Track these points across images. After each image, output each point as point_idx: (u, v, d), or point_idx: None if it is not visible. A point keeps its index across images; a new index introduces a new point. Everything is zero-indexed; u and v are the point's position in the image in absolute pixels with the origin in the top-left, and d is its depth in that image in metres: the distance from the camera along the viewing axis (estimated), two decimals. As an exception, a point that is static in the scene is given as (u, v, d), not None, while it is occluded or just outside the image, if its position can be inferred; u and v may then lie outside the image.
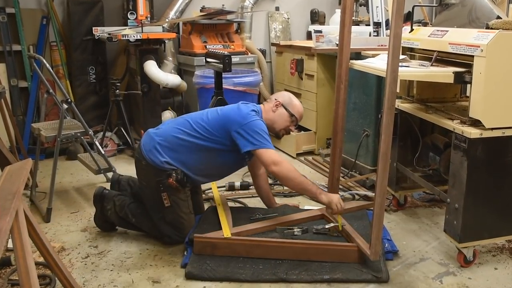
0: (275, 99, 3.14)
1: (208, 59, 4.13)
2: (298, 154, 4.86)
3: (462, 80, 2.65)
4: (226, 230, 2.88)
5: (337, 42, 3.34)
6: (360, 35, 4.49)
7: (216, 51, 4.25)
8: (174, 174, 2.91)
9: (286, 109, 3.10)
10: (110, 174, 3.90)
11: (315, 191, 2.89)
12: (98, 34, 4.95)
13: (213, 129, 2.93)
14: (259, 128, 2.87)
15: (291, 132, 3.23)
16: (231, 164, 3.12)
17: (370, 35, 4.63)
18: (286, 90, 5.29)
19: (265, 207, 3.40)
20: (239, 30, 5.65)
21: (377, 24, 4.70)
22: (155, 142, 2.98)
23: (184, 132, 2.96)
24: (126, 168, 4.43)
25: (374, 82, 3.86)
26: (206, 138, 2.94)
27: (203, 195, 3.71)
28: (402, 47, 2.92)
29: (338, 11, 5.56)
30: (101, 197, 3.19)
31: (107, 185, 3.39)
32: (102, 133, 4.80)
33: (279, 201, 3.53)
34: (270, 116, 3.09)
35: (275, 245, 2.78)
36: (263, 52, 5.94)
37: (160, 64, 5.05)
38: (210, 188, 3.80)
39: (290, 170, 2.86)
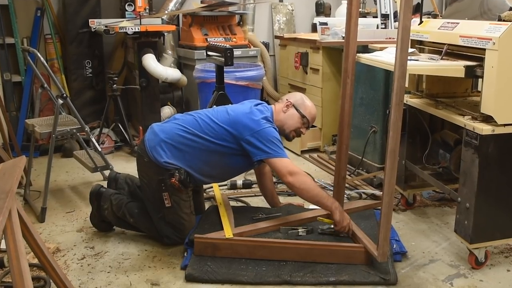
0: (287, 99, 3.13)
1: (209, 53, 4.13)
2: (303, 151, 4.86)
3: (473, 74, 2.65)
4: (228, 230, 2.88)
5: (343, 35, 3.34)
6: (367, 28, 4.48)
7: (218, 44, 4.25)
8: (177, 174, 2.90)
9: (297, 110, 3.09)
10: (107, 172, 3.91)
11: (330, 205, 2.89)
12: (94, 27, 4.95)
13: (222, 132, 2.92)
14: (272, 136, 2.87)
15: (301, 135, 3.21)
16: (238, 167, 3.11)
17: (377, 28, 4.62)
18: (290, 84, 5.31)
19: (268, 206, 3.40)
20: (241, 22, 5.64)
21: (385, 16, 4.69)
22: (159, 139, 2.96)
23: (191, 132, 2.95)
24: (124, 165, 4.43)
25: (381, 76, 3.85)
26: (214, 140, 2.92)
27: (204, 194, 3.71)
28: (411, 40, 2.92)
29: (344, 3, 5.56)
30: (97, 195, 3.19)
31: (104, 183, 3.39)
32: (98, 129, 4.80)
33: (283, 200, 3.53)
34: (281, 117, 3.08)
35: (279, 246, 2.79)
36: (266, 45, 5.93)
37: (159, 58, 5.04)
38: (211, 187, 3.80)
39: (306, 181, 2.86)
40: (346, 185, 3.54)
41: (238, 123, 2.91)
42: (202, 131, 2.94)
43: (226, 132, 2.91)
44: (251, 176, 4.12)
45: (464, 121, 2.66)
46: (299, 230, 2.94)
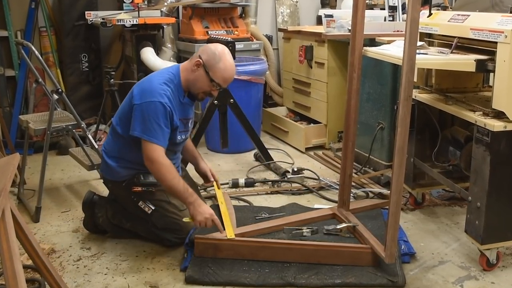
0: (198, 56, 2.92)
1: (210, 46, 4.12)
2: (307, 149, 4.85)
3: (484, 69, 2.64)
4: (230, 231, 2.88)
5: (350, 28, 3.34)
6: (374, 20, 4.47)
7: (219, 37, 4.25)
8: (134, 180, 2.95)
9: (206, 72, 2.89)
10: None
11: (185, 200, 2.80)
12: (91, 19, 4.95)
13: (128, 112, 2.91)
14: (154, 113, 2.76)
15: (212, 96, 3.06)
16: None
17: (385, 20, 4.61)
18: (294, 79, 5.29)
19: (270, 206, 3.40)
20: (243, 15, 5.63)
21: (393, 8, 4.68)
22: (104, 160, 3.04)
23: (114, 129, 2.99)
24: (122, 163, 4.44)
25: (389, 70, 3.85)
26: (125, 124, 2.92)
27: (204, 192, 3.72)
28: (420, 33, 2.91)
29: (350, -6, 5.55)
30: (91, 204, 3.19)
31: (101, 182, 3.39)
32: (95, 125, 4.80)
33: (286, 199, 3.52)
34: (189, 76, 2.93)
35: (282, 247, 2.79)
36: (269, 38, 5.93)
37: (158, 51, 5.04)
38: (212, 186, 3.80)
39: (160, 170, 2.77)
40: (353, 183, 3.54)
41: (132, 92, 2.90)
42: (121, 122, 2.95)
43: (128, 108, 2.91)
44: (253, 174, 4.14)
45: (475, 117, 2.65)
46: (304, 230, 2.94)
